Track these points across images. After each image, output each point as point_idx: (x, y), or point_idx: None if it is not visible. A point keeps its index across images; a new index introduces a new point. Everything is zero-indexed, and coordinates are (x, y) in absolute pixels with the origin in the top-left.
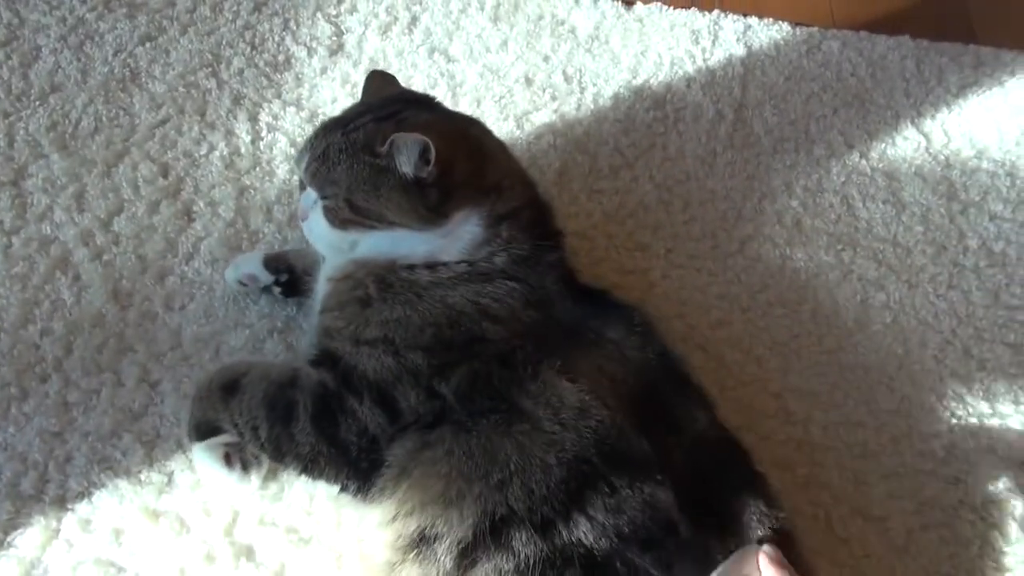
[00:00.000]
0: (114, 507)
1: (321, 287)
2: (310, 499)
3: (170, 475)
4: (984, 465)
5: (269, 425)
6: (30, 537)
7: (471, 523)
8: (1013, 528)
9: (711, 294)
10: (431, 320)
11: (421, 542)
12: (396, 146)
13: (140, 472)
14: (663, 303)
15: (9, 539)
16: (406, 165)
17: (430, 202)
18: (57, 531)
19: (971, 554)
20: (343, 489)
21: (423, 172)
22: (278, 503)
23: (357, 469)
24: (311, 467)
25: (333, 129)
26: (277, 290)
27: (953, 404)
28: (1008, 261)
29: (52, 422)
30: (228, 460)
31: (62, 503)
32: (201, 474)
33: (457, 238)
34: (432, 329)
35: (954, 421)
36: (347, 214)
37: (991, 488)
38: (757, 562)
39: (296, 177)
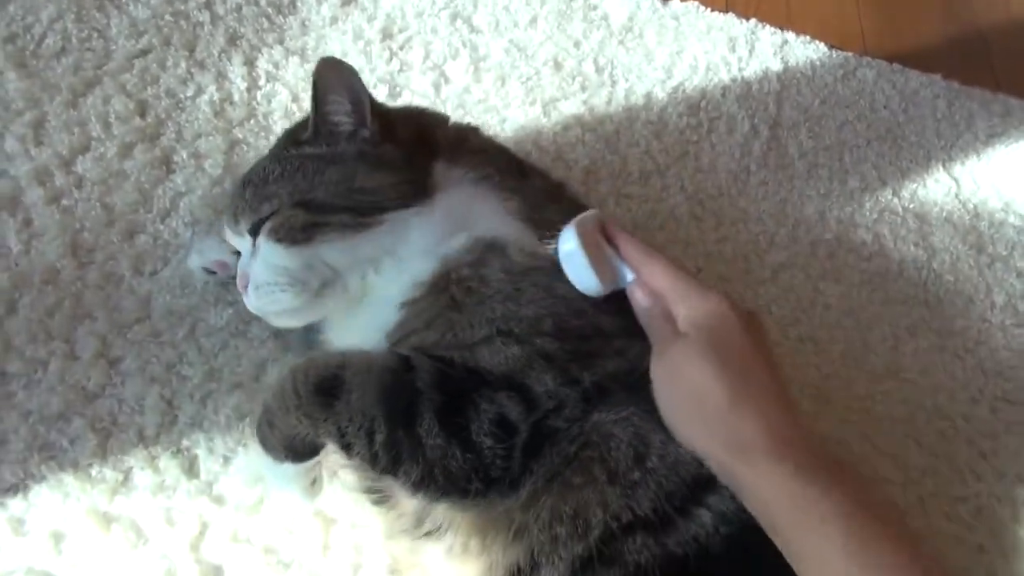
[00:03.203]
0: (55, 506)
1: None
2: (293, 515)
3: (127, 472)
4: (1010, 536)
5: (389, 427)
6: None
7: (595, 537)
8: None
9: None
10: (546, 310)
11: (520, 573)
12: (321, 91)
13: (91, 466)
14: None
15: None
16: (340, 114)
17: (395, 161)
18: None
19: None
20: (466, 495)
21: (363, 131)
22: (255, 516)
23: (487, 479)
24: (432, 477)
25: (259, 161)
26: None
27: (980, 467)
28: None
29: None
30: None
31: None
32: (267, 489)
33: (476, 210)
34: (552, 319)
35: (981, 485)
36: (304, 217)
37: (1017, 561)
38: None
39: None
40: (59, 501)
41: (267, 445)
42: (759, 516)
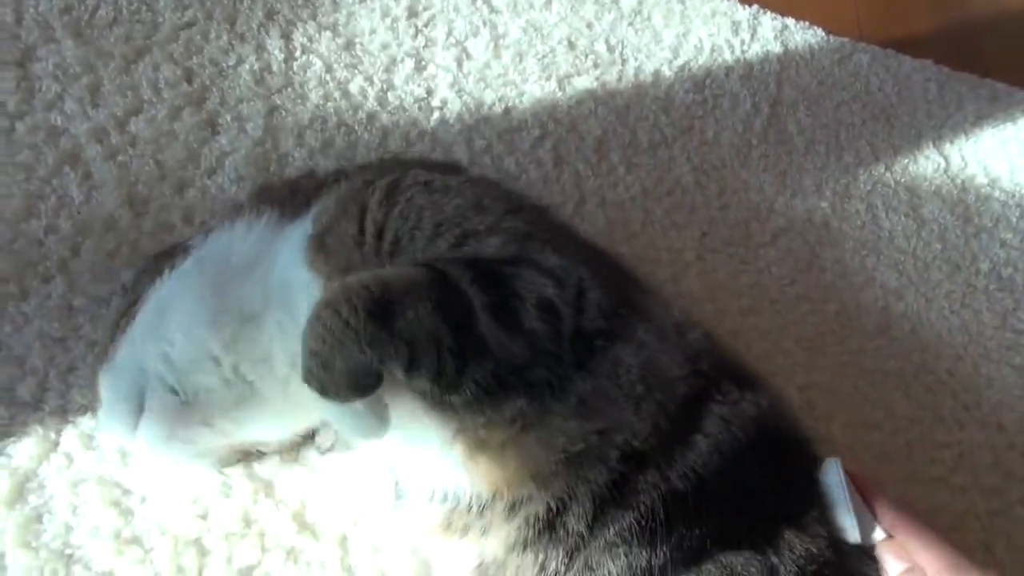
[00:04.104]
0: None
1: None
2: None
3: None
4: (989, 479)
5: (454, 335)
6: (25, 448)
7: (615, 459)
8: (1016, 539)
9: (742, 282)
10: (464, 197)
11: (551, 523)
12: None
13: None
14: (695, 284)
15: (1, 446)
16: None
17: None
18: (56, 444)
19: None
20: (532, 388)
21: None
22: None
23: (548, 366)
24: (500, 376)
25: None
26: None
27: (963, 417)
28: (1015, 287)
29: (55, 327)
30: None
31: (63, 415)
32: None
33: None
34: (487, 199)
35: (963, 433)
36: None
37: (995, 500)
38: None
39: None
40: None
41: (329, 391)
42: None
